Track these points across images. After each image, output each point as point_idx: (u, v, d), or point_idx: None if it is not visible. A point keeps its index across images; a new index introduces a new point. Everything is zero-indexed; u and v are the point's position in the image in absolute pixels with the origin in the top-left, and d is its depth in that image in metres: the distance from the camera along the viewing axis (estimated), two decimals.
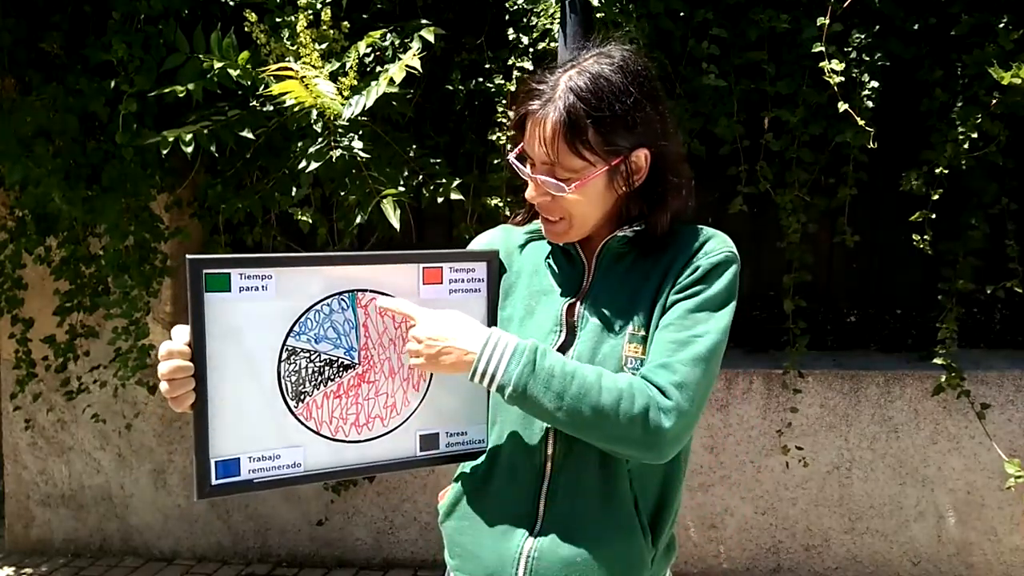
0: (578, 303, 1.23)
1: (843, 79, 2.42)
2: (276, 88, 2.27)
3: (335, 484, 3.21)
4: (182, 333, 1.14)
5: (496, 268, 1.31)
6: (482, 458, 1.30)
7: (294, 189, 2.59)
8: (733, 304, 1.18)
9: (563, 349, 1.21)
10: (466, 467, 1.33)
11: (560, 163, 1.15)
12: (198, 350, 1.13)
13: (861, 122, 2.42)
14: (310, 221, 2.65)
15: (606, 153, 1.14)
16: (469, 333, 1.15)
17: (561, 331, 1.22)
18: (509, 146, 1.30)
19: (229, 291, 1.15)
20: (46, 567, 3.43)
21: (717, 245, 1.20)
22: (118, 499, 3.49)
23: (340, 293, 1.22)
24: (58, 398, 3.33)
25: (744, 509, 3.09)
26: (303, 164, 2.41)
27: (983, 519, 2.98)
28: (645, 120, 1.16)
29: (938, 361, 2.75)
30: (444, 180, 2.56)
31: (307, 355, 1.21)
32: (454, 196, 2.55)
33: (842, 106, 2.42)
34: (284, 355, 1.19)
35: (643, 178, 1.19)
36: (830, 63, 2.41)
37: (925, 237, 2.60)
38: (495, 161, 2.67)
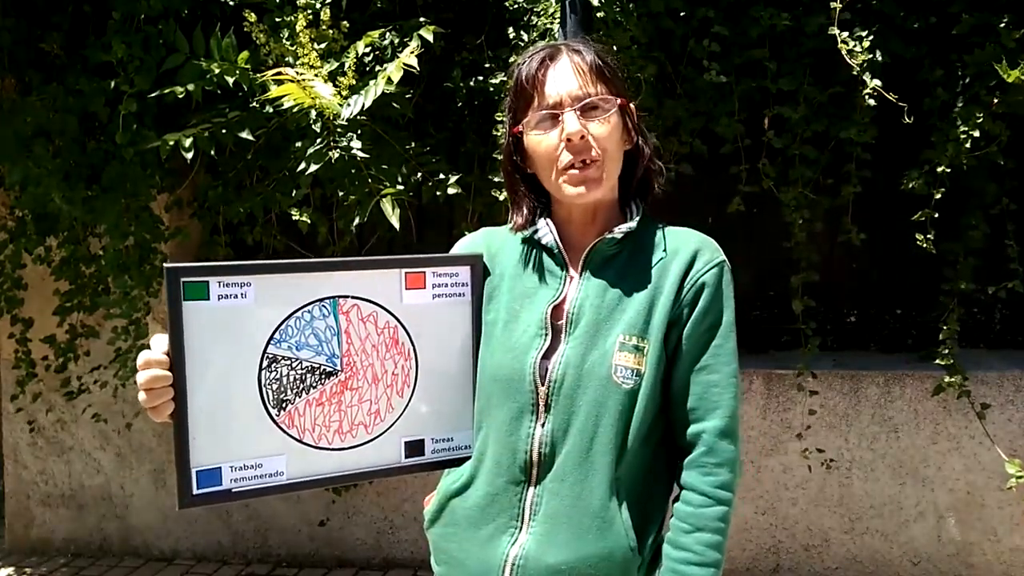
0: (564, 306, 1.22)
1: (856, 63, 2.38)
2: (275, 92, 2.27)
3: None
4: (161, 342, 1.13)
5: (480, 272, 1.30)
6: (467, 464, 1.29)
7: (294, 190, 2.58)
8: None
9: (548, 353, 1.20)
10: (451, 473, 1.32)
11: (590, 93, 1.19)
12: (177, 359, 1.12)
13: (892, 96, 2.34)
14: (309, 222, 2.64)
15: (618, 90, 1.23)
16: None
17: (546, 335, 1.21)
18: (508, 121, 1.31)
19: (207, 299, 1.14)
20: (46, 567, 3.44)
21: (712, 255, 1.21)
22: (118, 499, 3.49)
23: (321, 300, 1.21)
24: (58, 398, 3.33)
25: (744, 509, 3.09)
26: (302, 166, 2.41)
27: (983, 519, 2.97)
28: (624, 80, 1.27)
29: (941, 362, 2.74)
30: (443, 176, 2.55)
31: (288, 362, 1.20)
32: (453, 191, 2.54)
33: (872, 82, 2.36)
34: (265, 363, 1.18)
35: (637, 131, 1.25)
36: (849, 44, 2.37)
37: (928, 237, 2.58)
38: (496, 156, 2.66)
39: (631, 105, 1.24)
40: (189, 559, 3.47)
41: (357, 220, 2.44)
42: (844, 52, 2.38)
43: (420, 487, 3.25)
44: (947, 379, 2.76)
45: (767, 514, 3.09)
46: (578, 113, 1.18)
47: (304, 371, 1.21)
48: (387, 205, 2.35)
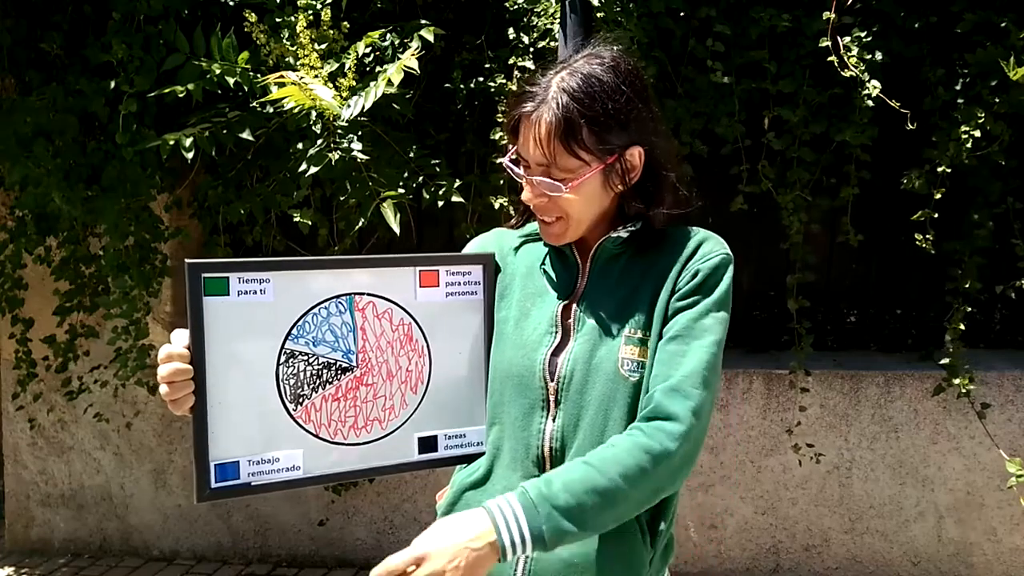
0: (574, 304, 1.24)
1: (855, 70, 2.39)
2: (276, 94, 2.27)
3: (335, 485, 3.21)
4: (181, 336, 1.15)
5: (492, 271, 1.32)
6: (484, 458, 1.30)
7: (294, 191, 2.58)
8: (730, 305, 1.20)
9: (559, 350, 1.22)
10: (464, 468, 1.33)
11: (556, 163, 1.16)
12: (197, 353, 1.14)
13: (895, 104, 2.36)
14: (309, 223, 2.64)
15: (601, 152, 1.16)
16: (470, 523, 1.06)
17: (556, 332, 1.23)
18: (508, 146, 1.30)
19: (227, 295, 1.15)
20: (46, 567, 3.43)
21: (713, 247, 1.21)
22: (118, 499, 3.49)
23: (337, 296, 1.22)
24: (58, 398, 3.33)
25: (744, 509, 3.09)
26: (302, 167, 2.41)
27: (983, 519, 2.98)
28: (638, 118, 1.18)
29: (946, 362, 2.73)
30: (445, 182, 2.56)
31: (305, 358, 1.21)
32: (455, 199, 2.55)
33: (871, 83, 2.37)
34: (282, 358, 1.20)
35: (638, 176, 1.20)
36: (847, 54, 2.38)
37: (928, 237, 2.59)
38: (496, 160, 2.66)
39: (633, 151, 1.18)
40: (189, 559, 3.47)
41: (359, 224, 2.44)
42: (845, 59, 2.38)
43: (420, 487, 3.26)
44: (955, 381, 2.73)
45: (767, 514, 3.09)
46: (537, 181, 1.18)
47: (321, 366, 1.22)
48: (387, 210, 2.36)
